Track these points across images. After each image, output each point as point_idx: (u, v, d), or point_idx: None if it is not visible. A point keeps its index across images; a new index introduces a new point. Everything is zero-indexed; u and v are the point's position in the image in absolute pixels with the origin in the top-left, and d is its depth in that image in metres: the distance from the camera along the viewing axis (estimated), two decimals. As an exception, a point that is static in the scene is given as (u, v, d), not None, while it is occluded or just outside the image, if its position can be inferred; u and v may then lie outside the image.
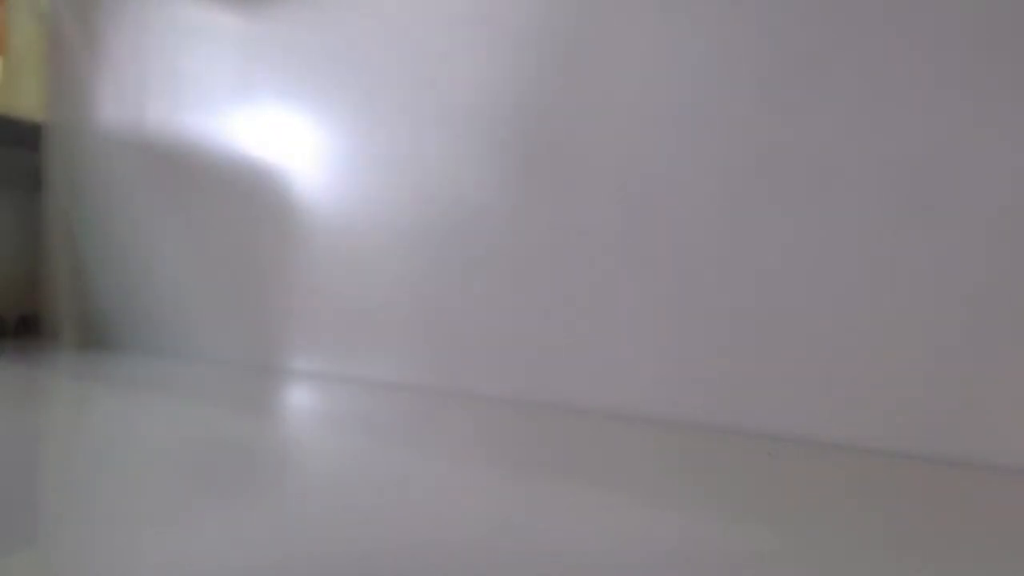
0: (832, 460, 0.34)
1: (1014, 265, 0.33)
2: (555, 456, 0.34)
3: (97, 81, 0.74)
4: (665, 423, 0.41)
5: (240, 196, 0.61)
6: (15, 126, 0.79)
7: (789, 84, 0.38)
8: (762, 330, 0.38)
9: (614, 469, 0.31)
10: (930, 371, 0.34)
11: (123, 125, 0.71)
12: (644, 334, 0.42)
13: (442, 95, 0.50)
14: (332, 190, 0.56)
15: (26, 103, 0.83)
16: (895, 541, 0.23)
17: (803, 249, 0.37)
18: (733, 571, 0.20)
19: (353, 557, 0.21)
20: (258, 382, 0.53)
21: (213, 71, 0.63)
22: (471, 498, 0.27)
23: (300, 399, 0.47)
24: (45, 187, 0.80)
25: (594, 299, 0.44)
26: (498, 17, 0.48)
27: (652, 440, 0.37)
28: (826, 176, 0.37)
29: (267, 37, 0.59)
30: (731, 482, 0.30)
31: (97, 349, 0.71)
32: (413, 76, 0.51)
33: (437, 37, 0.50)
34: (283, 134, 0.59)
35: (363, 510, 0.25)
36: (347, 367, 0.55)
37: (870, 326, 0.36)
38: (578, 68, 0.44)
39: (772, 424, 0.38)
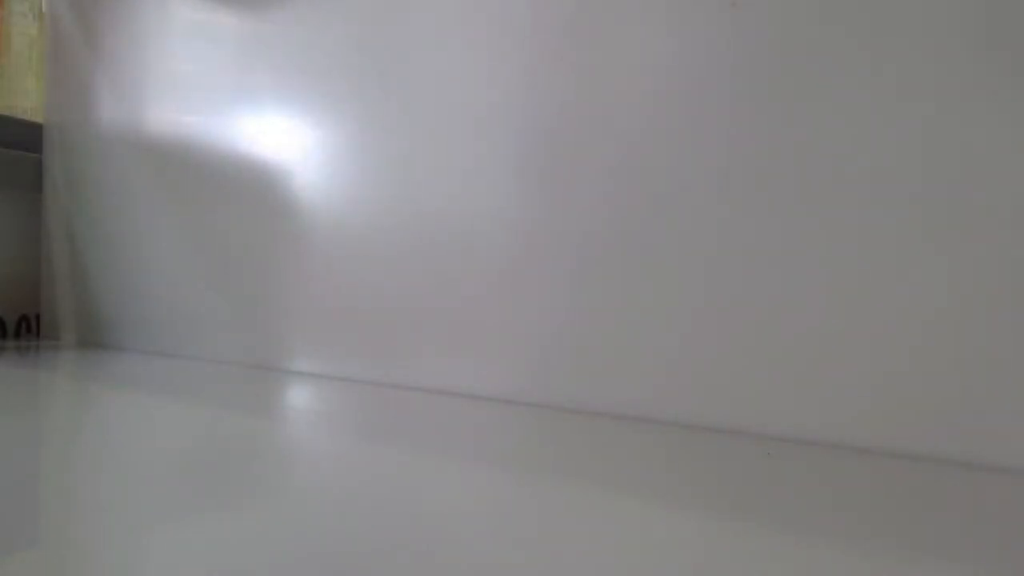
0: (832, 460, 0.34)
1: (1015, 265, 0.33)
2: (556, 457, 0.34)
3: (97, 81, 0.74)
4: (665, 424, 0.41)
5: (240, 196, 0.61)
6: (15, 126, 0.79)
7: (796, 82, 0.38)
8: (763, 330, 0.38)
9: (618, 470, 0.31)
10: (931, 371, 0.34)
11: (123, 125, 0.71)
12: (646, 335, 0.42)
13: (444, 96, 0.50)
14: (332, 191, 0.56)
15: (26, 103, 0.83)
16: (896, 541, 0.23)
17: (804, 250, 0.37)
18: (733, 572, 0.20)
19: (354, 558, 0.21)
20: (257, 382, 0.53)
21: (213, 71, 0.63)
22: (475, 500, 0.27)
23: (300, 400, 0.47)
24: (45, 187, 0.80)
25: (595, 300, 0.44)
26: (501, 18, 0.48)
27: (653, 441, 0.37)
28: (829, 176, 0.37)
29: (267, 37, 0.59)
30: (732, 482, 0.30)
31: (97, 349, 0.71)
32: (413, 76, 0.51)
33: (438, 37, 0.50)
34: (283, 134, 0.59)
35: (363, 511, 0.25)
36: (348, 368, 0.55)
37: (871, 326, 0.36)
38: (580, 69, 0.44)
39: (772, 425, 0.38)
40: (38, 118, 0.81)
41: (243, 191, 0.61)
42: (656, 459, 0.34)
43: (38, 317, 0.81)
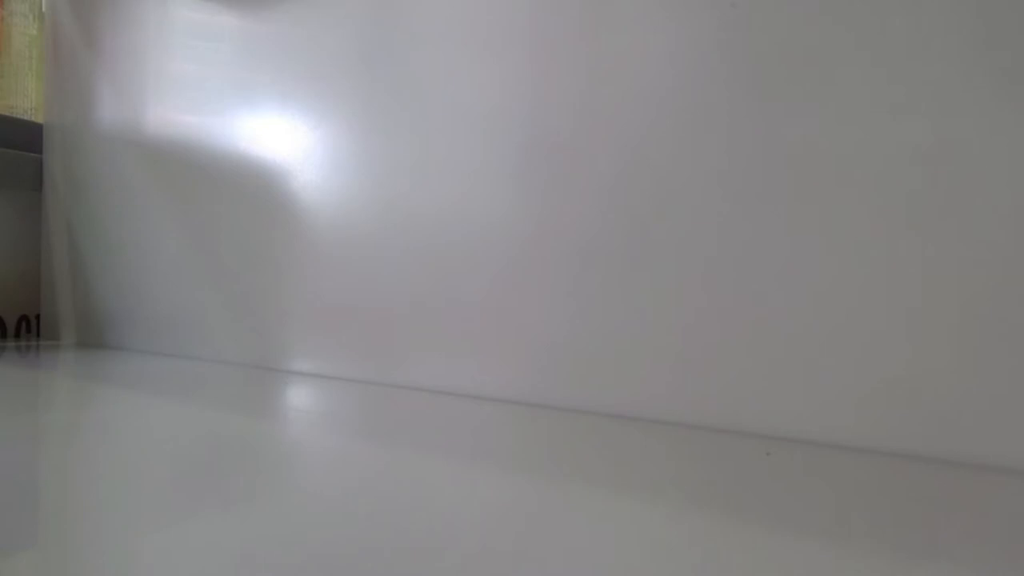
0: (832, 460, 0.34)
1: (1014, 265, 0.33)
2: (556, 457, 0.34)
3: (97, 81, 0.74)
4: (665, 424, 0.41)
5: (240, 196, 0.61)
6: (15, 126, 0.79)
7: (796, 82, 0.38)
8: (763, 330, 0.38)
9: (618, 470, 0.31)
10: (931, 371, 0.34)
11: (123, 125, 0.71)
12: (647, 335, 0.42)
13: (444, 95, 0.50)
14: (332, 191, 0.56)
15: (26, 103, 0.83)
16: (896, 541, 0.23)
17: (804, 249, 0.37)
18: (733, 572, 0.20)
19: (354, 559, 0.21)
20: (257, 382, 0.53)
21: (212, 71, 0.63)
22: (475, 500, 0.27)
23: (300, 400, 0.47)
24: (45, 187, 0.80)
25: (596, 300, 0.44)
26: (501, 19, 0.48)
27: (653, 441, 0.37)
28: (829, 176, 0.37)
29: (266, 37, 0.59)
30: (731, 482, 0.30)
31: (97, 349, 0.71)
32: (414, 76, 0.51)
33: (438, 38, 0.50)
34: (283, 134, 0.59)
35: (363, 511, 0.25)
36: (348, 368, 0.55)
37: (871, 326, 0.36)
38: (581, 69, 0.44)
39: (772, 425, 0.38)
40: (38, 118, 0.82)
41: (243, 191, 0.61)
42: (656, 459, 0.34)
43: (38, 317, 0.81)
